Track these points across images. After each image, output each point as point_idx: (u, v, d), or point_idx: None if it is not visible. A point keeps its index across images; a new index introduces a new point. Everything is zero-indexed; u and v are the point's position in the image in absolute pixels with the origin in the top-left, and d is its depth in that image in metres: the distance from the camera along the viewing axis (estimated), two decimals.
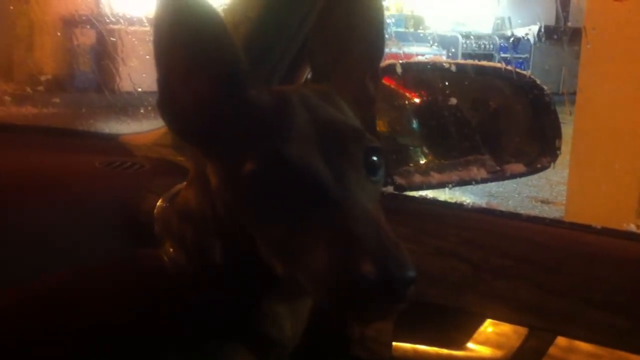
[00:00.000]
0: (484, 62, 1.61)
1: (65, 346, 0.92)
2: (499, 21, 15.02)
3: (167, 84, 0.90)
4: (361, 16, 0.99)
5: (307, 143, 0.86)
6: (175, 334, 0.93)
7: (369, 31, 1.00)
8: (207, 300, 0.94)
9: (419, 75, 1.63)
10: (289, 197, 0.83)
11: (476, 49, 13.70)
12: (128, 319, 0.93)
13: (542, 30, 11.75)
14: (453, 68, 1.54)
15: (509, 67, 1.59)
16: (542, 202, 5.48)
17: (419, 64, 1.69)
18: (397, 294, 0.74)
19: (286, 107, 0.90)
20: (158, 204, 1.12)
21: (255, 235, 0.87)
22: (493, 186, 4.78)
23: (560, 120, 1.68)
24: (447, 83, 1.63)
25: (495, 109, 1.76)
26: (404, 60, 1.50)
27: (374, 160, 0.91)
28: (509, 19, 14.66)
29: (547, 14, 11.21)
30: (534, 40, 13.17)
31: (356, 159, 0.88)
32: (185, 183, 1.06)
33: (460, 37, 13.43)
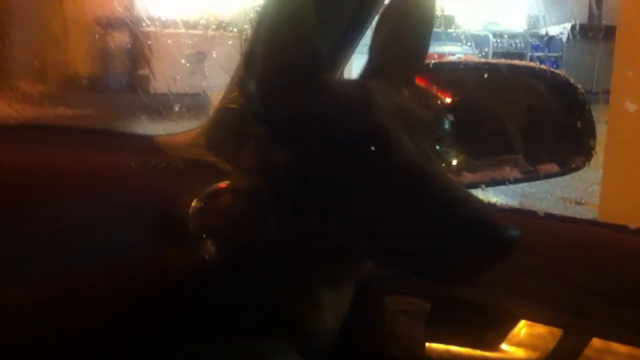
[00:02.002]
0: (517, 61, 1.61)
1: (101, 338, 0.94)
2: (532, 19, 14.90)
3: (258, 67, 0.93)
4: (416, 18, 1.04)
5: (396, 124, 0.90)
6: (216, 330, 0.94)
7: (420, 33, 1.05)
8: (249, 294, 0.95)
9: (451, 74, 1.63)
10: (385, 168, 0.87)
11: (508, 47, 13.59)
12: (165, 315, 0.95)
13: (577, 28, 11.66)
14: (486, 67, 1.54)
15: (543, 66, 1.58)
16: (576, 203, 5.42)
17: (450, 63, 1.69)
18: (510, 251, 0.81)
19: (369, 91, 0.95)
20: (193, 203, 1.14)
21: (337, 211, 0.89)
22: (525, 187, 4.73)
23: (594, 120, 1.67)
24: (479, 82, 1.62)
25: (528, 108, 1.75)
26: (436, 60, 1.50)
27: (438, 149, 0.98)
28: (544, 17, 14.52)
29: (581, 11, 11.10)
30: (568, 38, 13.06)
31: (432, 146, 0.94)
32: (222, 183, 1.08)
33: (491, 36, 13.34)
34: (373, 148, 0.88)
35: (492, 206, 0.84)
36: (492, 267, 0.83)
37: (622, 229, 1.30)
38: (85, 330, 0.96)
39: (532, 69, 1.66)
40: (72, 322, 0.97)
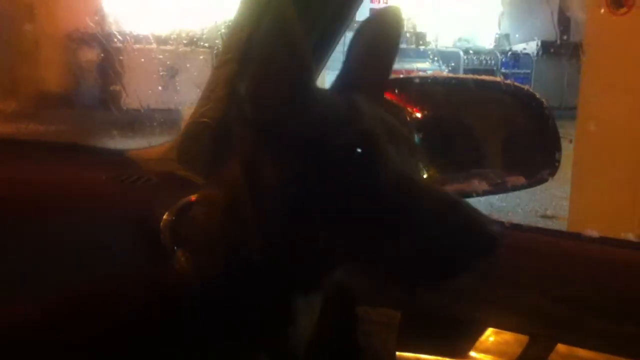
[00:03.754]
0: (483, 76, 1.64)
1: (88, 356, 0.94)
2: (501, 37, 15.10)
3: (259, 80, 0.95)
4: (386, 36, 1.08)
5: (382, 133, 0.94)
6: (197, 339, 0.95)
7: (389, 50, 1.09)
8: (227, 303, 0.96)
9: (420, 89, 1.66)
10: (375, 173, 0.90)
11: (477, 64, 13.76)
12: (143, 327, 0.96)
13: (542, 45, 11.84)
14: (453, 82, 1.57)
15: (508, 81, 1.62)
16: (545, 216, 5.49)
17: (419, 78, 1.71)
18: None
19: (356, 102, 0.98)
20: (165, 217, 1.15)
21: (325, 217, 0.91)
22: (496, 201, 4.79)
23: (562, 136, 1.70)
24: (447, 97, 1.65)
25: (496, 122, 1.78)
26: (405, 75, 1.53)
27: None
28: (507, 35, 14.75)
29: (549, 29, 11.28)
30: (536, 55, 13.26)
31: (412, 158, 0.98)
32: (194, 196, 1.09)
33: (461, 53, 13.50)
34: (363, 153, 0.90)
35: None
36: (479, 262, 0.87)
37: (585, 238, 1.34)
38: (70, 346, 0.96)
39: (497, 83, 1.69)
40: (52, 340, 0.97)
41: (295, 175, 0.93)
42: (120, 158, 1.77)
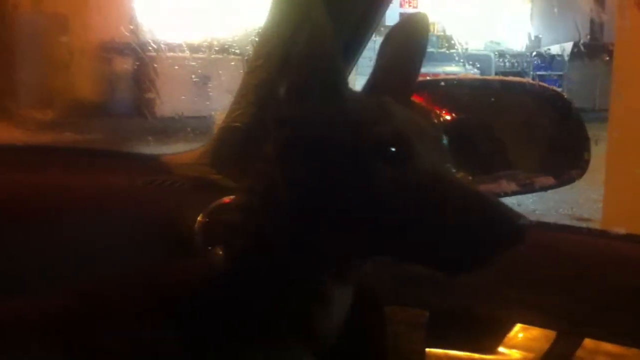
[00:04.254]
0: (509, 77, 1.65)
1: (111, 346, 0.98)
2: (534, 38, 14.98)
3: (297, 82, 0.99)
4: (415, 41, 1.12)
5: (413, 133, 0.97)
6: (231, 332, 0.98)
7: (418, 55, 1.13)
8: (260, 296, 1.00)
9: (446, 91, 1.67)
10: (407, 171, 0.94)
11: (509, 67, 13.66)
12: (178, 320, 0.99)
13: (574, 47, 11.70)
14: (478, 84, 1.58)
15: (532, 81, 1.62)
16: (580, 219, 5.43)
17: (445, 80, 1.73)
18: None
19: (387, 103, 1.01)
20: (199, 219, 1.19)
21: (359, 214, 0.94)
22: (531, 204, 4.76)
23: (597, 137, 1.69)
24: (473, 99, 1.67)
25: (522, 123, 1.79)
26: (432, 77, 1.55)
27: None
28: (539, 37, 14.61)
29: (583, 30, 11.15)
30: (569, 57, 13.11)
31: (442, 157, 1.01)
32: (225, 199, 1.13)
33: (493, 56, 13.41)
34: (396, 152, 0.94)
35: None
36: (507, 252, 0.90)
37: (608, 235, 1.35)
38: (96, 337, 1.00)
39: (522, 84, 1.71)
40: (89, 328, 1.00)
41: (329, 174, 0.96)
42: (154, 163, 1.81)
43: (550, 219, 5.11)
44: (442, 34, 13.84)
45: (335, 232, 0.97)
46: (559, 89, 1.71)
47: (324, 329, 1.04)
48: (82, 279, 1.10)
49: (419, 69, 1.14)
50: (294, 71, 1.00)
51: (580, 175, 1.67)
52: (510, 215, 0.89)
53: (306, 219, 0.98)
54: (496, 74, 12.63)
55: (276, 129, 1.02)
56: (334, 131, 0.98)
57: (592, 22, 11.06)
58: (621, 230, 1.34)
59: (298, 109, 0.99)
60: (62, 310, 1.00)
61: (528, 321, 1.33)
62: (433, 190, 0.93)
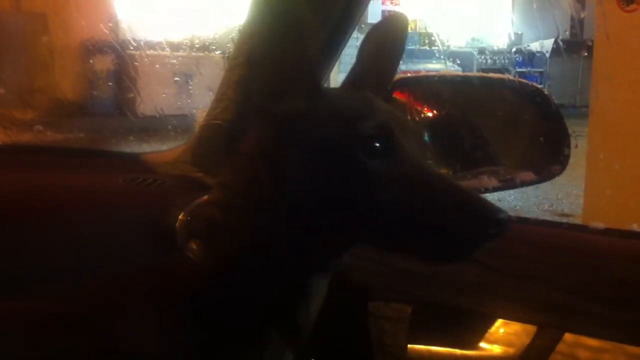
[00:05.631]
0: (489, 74, 1.65)
1: (103, 349, 0.98)
2: (515, 36, 15.07)
3: (275, 77, 0.98)
4: (395, 39, 1.13)
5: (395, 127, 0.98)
6: (214, 330, 0.99)
7: (397, 52, 1.14)
8: (243, 291, 1.00)
9: (427, 88, 1.68)
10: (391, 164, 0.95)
11: (491, 64, 13.73)
12: (165, 317, 0.99)
13: (555, 44, 11.79)
14: (459, 80, 1.59)
15: (512, 77, 1.63)
16: (561, 215, 5.48)
17: (426, 77, 1.73)
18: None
19: (369, 98, 1.02)
20: (180, 217, 1.18)
21: (343, 208, 0.95)
22: (513, 201, 4.80)
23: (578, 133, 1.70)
24: (454, 95, 1.67)
25: (502, 119, 1.79)
26: (412, 74, 1.55)
27: None
28: (520, 34, 14.70)
29: (563, 27, 11.23)
30: (550, 54, 13.21)
31: (423, 152, 1.03)
32: (206, 196, 1.13)
33: (475, 53, 13.47)
34: (381, 144, 0.95)
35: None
36: (488, 244, 0.92)
37: (587, 229, 1.36)
38: (89, 339, 1.00)
39: (503, 80, 1.71)
40: (73, 334, 1.00)
41: (314, 167, 0.96)
42: (135, 162, 1.80)
43: (532, 215, 5.15)
44: (423, 31, 13.90)
45: (320, 225, 0.97)
46: (540, 85, 1.71)
47: (302, 322, 1.04)
48: (64, 279, 1.09)
49: (398, 65, 1.16)
50: (276, 66, 0.99)
51: (561, 171, 1.68)
52: (491, 208, 0.91)
53: (291, 213, 0.98)
54: (478, 70, 12.69)
55: (259, 123, 1.02)
56: (318, 125, 0.98)
57: (572, 19, 11.15)
58: (600, 225, 1.35)
59: (281, 104, 0.99)
60: (48, 312, 1.00)
61: (508, 315, 1.34)
62: (417, 182, 0.94)
